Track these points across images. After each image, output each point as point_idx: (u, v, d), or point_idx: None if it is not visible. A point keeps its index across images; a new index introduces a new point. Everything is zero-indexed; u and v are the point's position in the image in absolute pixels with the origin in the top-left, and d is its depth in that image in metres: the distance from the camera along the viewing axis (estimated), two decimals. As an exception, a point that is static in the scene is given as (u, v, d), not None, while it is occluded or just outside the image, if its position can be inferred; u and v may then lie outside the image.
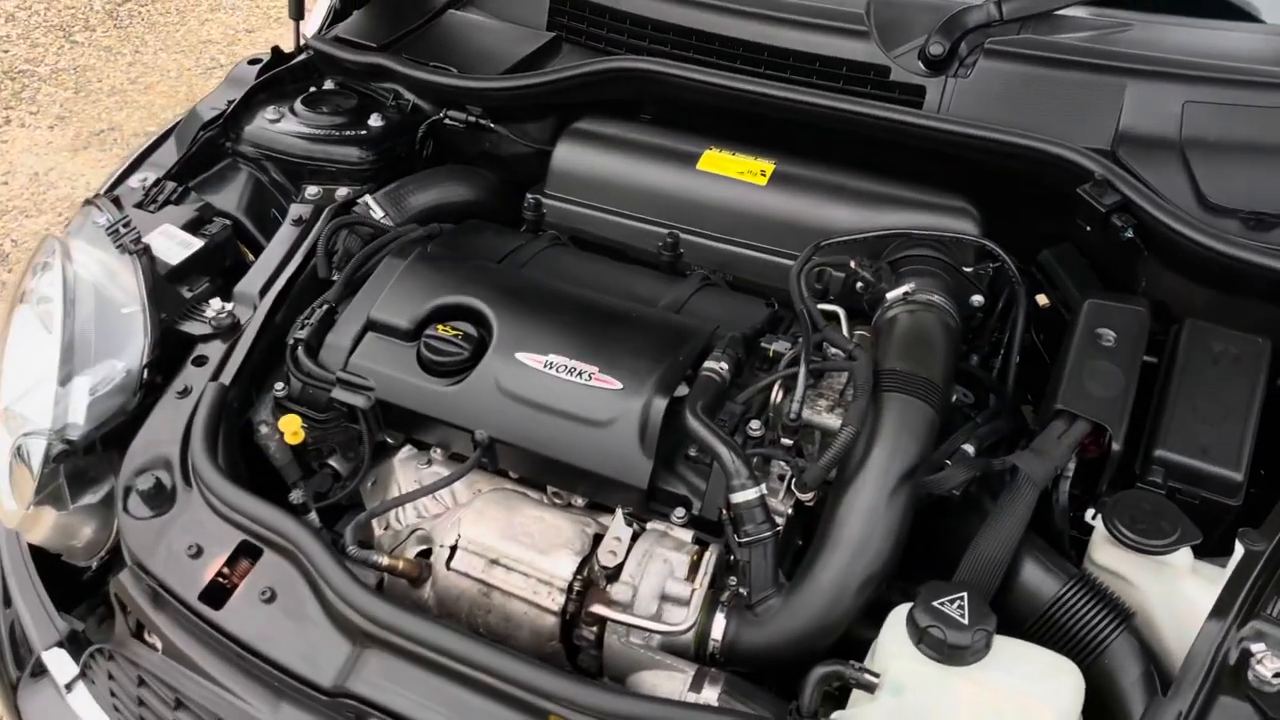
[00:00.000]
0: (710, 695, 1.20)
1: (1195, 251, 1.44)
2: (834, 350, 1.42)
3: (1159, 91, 1.59)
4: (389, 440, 1.55)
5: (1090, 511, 1.30)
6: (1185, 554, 1.26)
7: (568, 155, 1.78)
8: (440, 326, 1.49)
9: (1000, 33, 1.67)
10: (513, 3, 2.04)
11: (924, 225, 1.56)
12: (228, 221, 1.75)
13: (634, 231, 1.72)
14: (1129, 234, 1.47)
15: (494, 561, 1.34)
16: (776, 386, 1.39)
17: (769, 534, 1.25)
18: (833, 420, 1.40)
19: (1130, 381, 1.34)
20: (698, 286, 1.59)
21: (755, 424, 1.37)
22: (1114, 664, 1.20)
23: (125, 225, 1.64)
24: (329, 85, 2.00)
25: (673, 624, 1.25)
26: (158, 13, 5.28)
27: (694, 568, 1.31)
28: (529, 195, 1.79)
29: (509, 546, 1.34)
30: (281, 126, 1.88)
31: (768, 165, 1.66)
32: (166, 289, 1.61)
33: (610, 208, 1.74)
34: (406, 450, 1.56)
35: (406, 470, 1.54)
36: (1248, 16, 1.74)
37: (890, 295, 1.44)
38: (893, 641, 1.17)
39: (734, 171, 1.66)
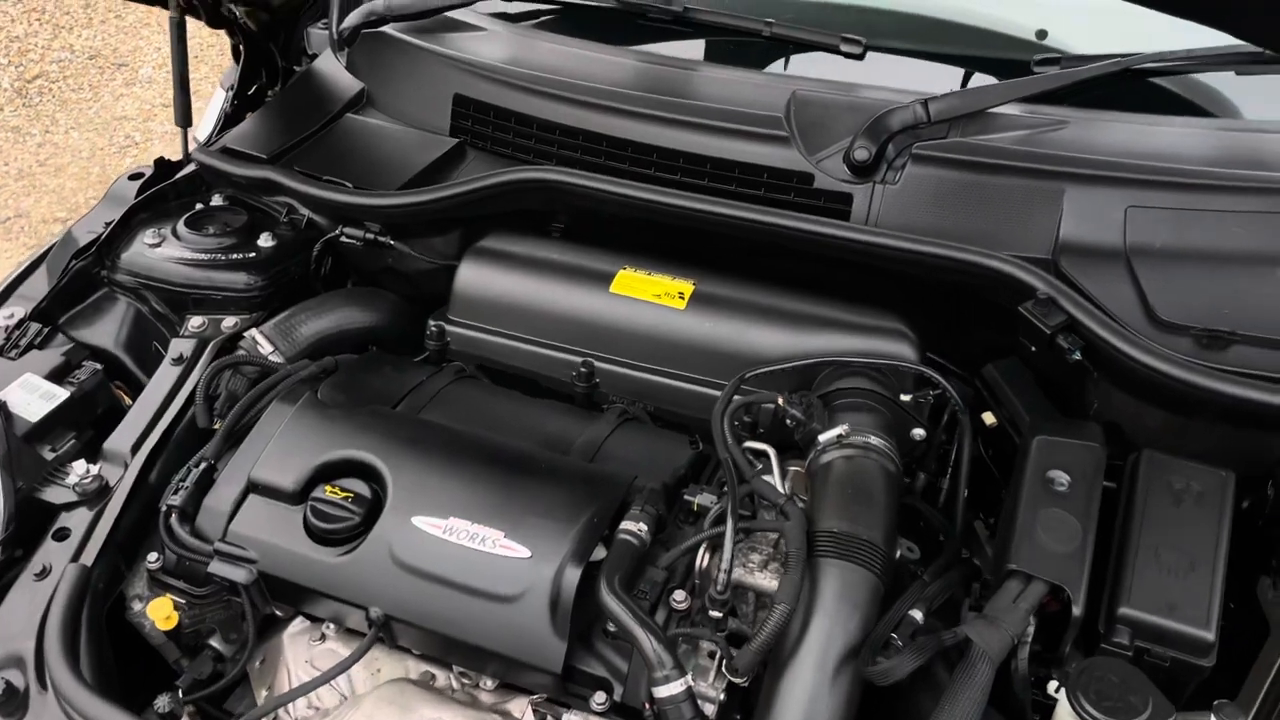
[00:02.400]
0: None
1: (1147, 376, 1.33)
2: (764, 499, 1.28)
3: (1100, 196, 1.48)
4: (278, 613, 1.39)
5: (1053, 684, 1.17)
6: (1158, 728, 1.13)
7: (472, 278, 1.64)
8: (329, 488, 1.34)
9: (929, 135, 1.56)
10: (413, 106, 1.90)
11: (856, 349, 1.44)
12: (98, 366, 1.58)
13: (546, 360, 1.58)
14: (1076, 355, 1.36)
15: (388, 775, 1.18)
16: (703, 549, 1.25)
17: (698, 731, 1.11)
18: (766, 581, 1.26)
19: (1088, 531, 1.22)
20: (615, 424, 1.46)
21: (680, 595, 1.23)
22: None
23: (-23, 381, 1.47)
24: (218, 200, 1.85)
25: (593, 842, 1.10)
26: (69, 89, 5.09)
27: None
28: (431, 322, 1.64)
29: (405, 756, 1.18)
30: (162, 252, 1.72)
31: (686, 286, 1.53)
32: (25, 452, 1.44)
33: (519, 334, 1.60)
34: (298, 624, 1.40)
35: (297, 648, 1.38)
36: (1192, 109, 1.66)
37: (823, 438, 1.31)
38: None
39: (650, 294, 1.53)
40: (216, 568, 1.33)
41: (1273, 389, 1.29)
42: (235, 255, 1.72)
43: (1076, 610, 1.17)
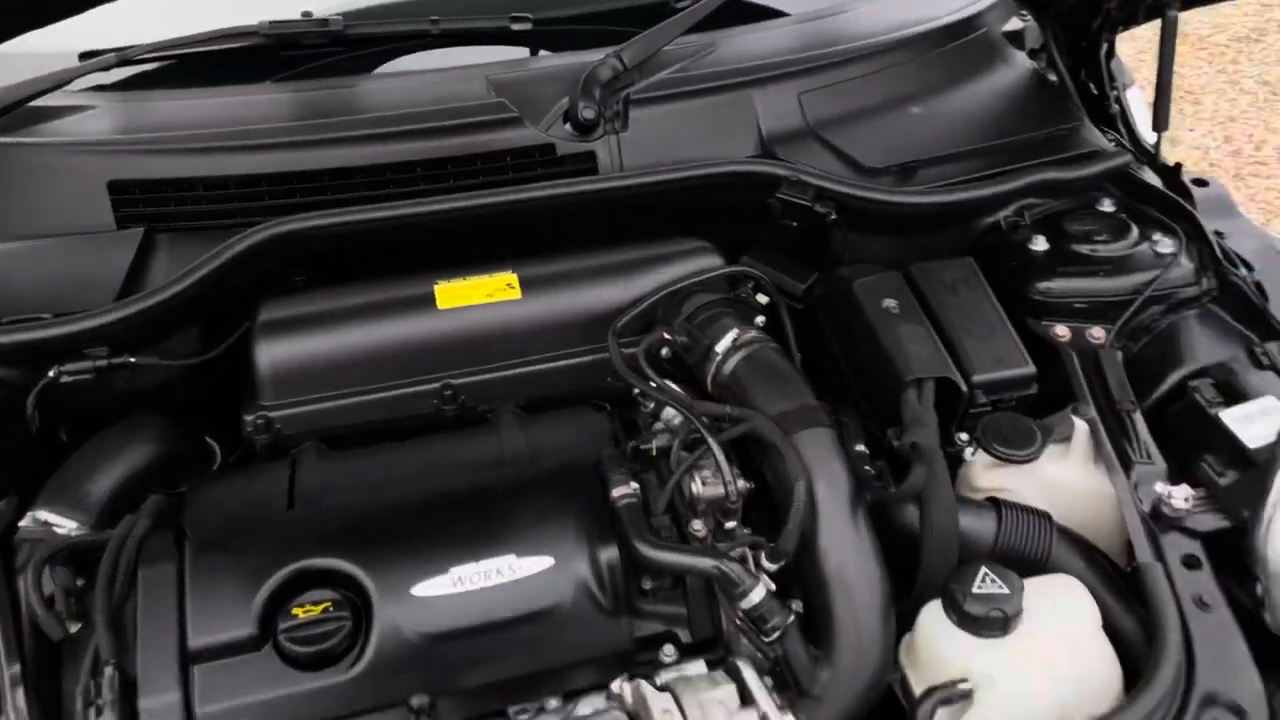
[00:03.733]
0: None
1: (885, 212, 1.67)
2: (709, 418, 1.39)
3: (776, 92, 1.78)
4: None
5: (969, 450, 1.47)
6: (1037, 449, 1.48)
7: (278, 353, 1.46)
8: (296, 610, 1.19)
9: (625, 82, 1.72)
10: (44, 214, 1.59)
11: (686, 272, 1.57)
12: None
13: (400, 401, 1.49)
14: (833, 215, 1.65)
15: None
16: (690, 477, 1.33)
17: (792, 617, 1.23)
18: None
19: (930, 332, 1.52)
20: (519, 424, 1.46)
21: (697, 524, 1.31)
22: (1063, 562, 1.38)
23: None
24: None
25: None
26: None
27: (744, 696, 1.22)
28: (248, 417, 1.46)
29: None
30: None
31: (509, 277, 1.54)
32: None
33: (359, 388, 1.49)
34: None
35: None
36: (768, 14, 2.01)
37: (720, 347, 1.44)
38: (953, 647, 1.23)
39: (481, 296, 1.51)
40: (207, 762, 1.12)
41: (959, 189, 1.71)
42: (-65, 448, 1.36)
43: (964, 388, 1.47)
